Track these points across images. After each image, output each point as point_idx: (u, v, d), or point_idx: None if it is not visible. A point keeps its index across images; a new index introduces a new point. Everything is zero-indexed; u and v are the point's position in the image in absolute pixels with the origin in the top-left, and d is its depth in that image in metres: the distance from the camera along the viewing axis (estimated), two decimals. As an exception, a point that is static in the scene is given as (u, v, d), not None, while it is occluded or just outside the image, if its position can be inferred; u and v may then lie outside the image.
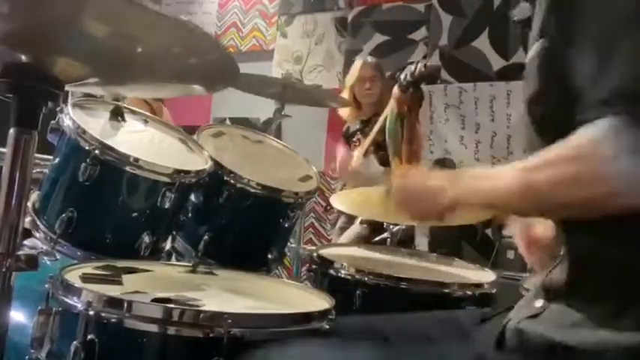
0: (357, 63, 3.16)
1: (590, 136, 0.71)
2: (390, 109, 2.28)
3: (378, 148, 2.78)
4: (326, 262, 1.53)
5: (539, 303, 0.84)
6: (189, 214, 1.56)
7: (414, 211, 0.99)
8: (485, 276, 1.65)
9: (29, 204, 1.36)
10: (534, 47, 0.84)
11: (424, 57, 2.24)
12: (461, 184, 0.89)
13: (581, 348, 0.75)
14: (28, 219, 1.36)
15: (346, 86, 3.17)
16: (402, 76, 2.21)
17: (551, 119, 0.82)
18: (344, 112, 3.23)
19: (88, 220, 1.35)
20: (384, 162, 2.77)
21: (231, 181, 1.52)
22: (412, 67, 2.14)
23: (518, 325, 0.84)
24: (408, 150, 2.24)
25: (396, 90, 2.22)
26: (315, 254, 1.60)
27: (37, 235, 1.38)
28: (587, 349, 0.75)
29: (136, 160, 1.32)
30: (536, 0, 0.87)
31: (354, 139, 3.13)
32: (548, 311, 0.82)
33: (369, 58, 3.27)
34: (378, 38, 4.11)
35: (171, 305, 0.94)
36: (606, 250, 0.78)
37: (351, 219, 2.94)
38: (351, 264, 1.48)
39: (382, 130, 2.48)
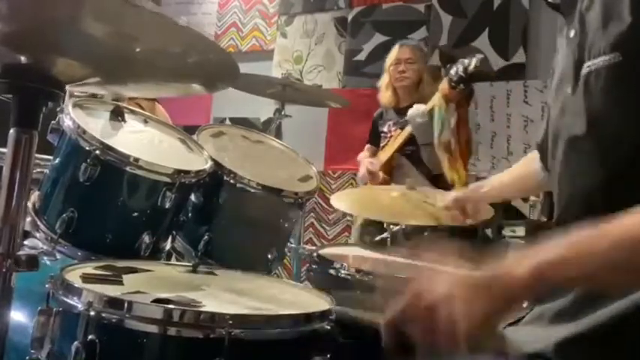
0: (397, 45, 2.98)
1: None
2: (436, 104, 2.15)
3: (407, 143, 2.64)
4: (326, 262, 1.53)
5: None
6: (189, 214, 1.56)
7: (477, 309, 0.67)
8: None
9: (29, 204, 1.36)
10: (597, 61, 0.78)
11: (478, 53, 2.07)
12: (545, 252, 0.67)
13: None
14: (28, 219, 1.36)
15: (385, 68, 2.99)
16: (453, 71, 2.05)
17: (623, 137, 0.77)
18: (383, 96, 3.00)
19: (88, 220, 1.35)
20: (414, 160, 2.65)
21: (231, 181, 1.52)
22: (466, 61, 2.01)
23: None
24: (457, 147, 2.15)
25: (444, 84, 2.08)
26: (315, 254, 1.60)
27: (38, 235, 1.38)
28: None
29: (137, 160, 1.33)
30: (590, 10, 0.82)
31: (385, 130, 2.91)
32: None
33: (411, 41, 3.05)
34: (378, 38, 4.11)
35: (172, 306, 0.94)
36: None
37: None
38: (351, 264, 1.48)
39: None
